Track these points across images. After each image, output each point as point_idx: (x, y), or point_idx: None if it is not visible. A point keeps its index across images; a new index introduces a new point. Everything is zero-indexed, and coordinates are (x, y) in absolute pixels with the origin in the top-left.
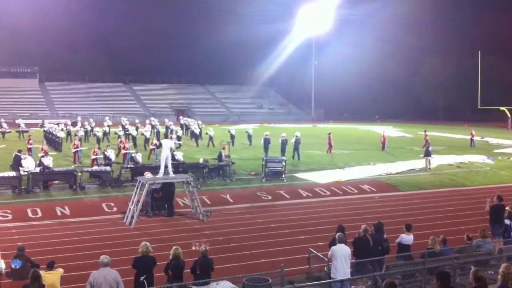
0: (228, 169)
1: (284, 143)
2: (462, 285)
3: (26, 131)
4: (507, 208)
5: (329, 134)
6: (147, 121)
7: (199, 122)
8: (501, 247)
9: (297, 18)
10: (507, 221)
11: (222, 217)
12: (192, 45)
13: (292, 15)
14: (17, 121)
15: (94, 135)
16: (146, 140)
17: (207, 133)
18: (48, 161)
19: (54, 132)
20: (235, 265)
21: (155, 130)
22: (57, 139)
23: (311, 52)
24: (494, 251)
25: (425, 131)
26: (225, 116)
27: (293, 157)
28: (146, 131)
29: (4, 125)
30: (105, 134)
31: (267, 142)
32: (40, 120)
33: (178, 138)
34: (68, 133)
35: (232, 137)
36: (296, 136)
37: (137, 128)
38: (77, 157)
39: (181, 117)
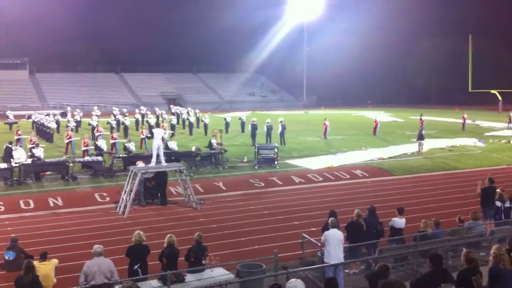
0: (220, 157)
1: (269, 129)
2: (454, 266)
3: (15, 123)
4: (498, 190)
5: (326, 119)
6: (137, 110)
7: (197, 110)
8: (493, 229)
9: (288, 3)
10: (498, 203)
11: (215, 205)
12: (183, 33)
13: (283, 1)
14: (7, 113)
15: (89, 124)
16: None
17: (202, 121)
18: (39, 152)
19: (45, 123)
20: (229, 252)
21: (145, 119)
22: (48, 130)
23: (303, 38)
24: (486, 233)
25: (420, 115)
26: (217, 104)
27: (281, 143)
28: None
29: None
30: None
31: (254, 128)
32: (28, 112)
33: (172, 127)
34: (57, 124)
35: (227, 124)
36: (281, 122)
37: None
38: (70, 147)
39: (171, 106)
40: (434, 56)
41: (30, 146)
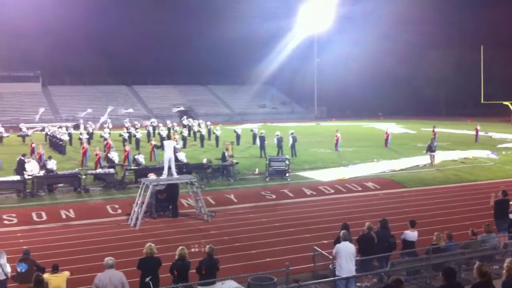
0: (231, 169)
1: (279, 141)
2: (467, 280)
3: (27, 135)
4: (511, 203)
5: (337, 131)
6: (148, 122)
7: (208, 122)
8: (506, 241)
9: (298, 15)
10: (511, 216)
11: (227, 217)
12: (194, 45)
13: (293, 13)
14: (20, 125)
15: (101, 136)
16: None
17: (214, 133)
18: (51, 165)
19: (57, 136)
20: (240, 265)
21: (156, 131)
22: (61, 142)
23: (313, 50)
24: (499, 246)
25: (433, 127)
26: (228, 116)
27: (292, 155)
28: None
29: (1, 129)
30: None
31: (262, 140)
32: (42, 124)
33: (184, 138)
34: (69, 136)
35: (238, 136)
36: (292, 134)
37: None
38: (85, 160)
39: (184, 117)
40: (444, 67)
41: (37, 158)
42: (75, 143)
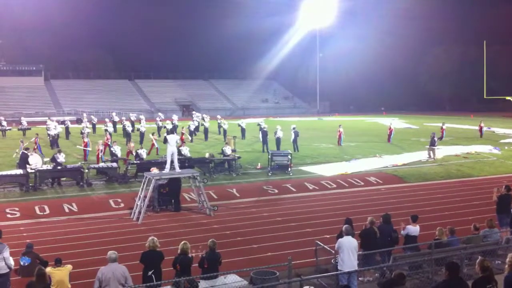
0: (234, 164)
1: (278, 140)
2: (469, 275)
3: (28, 129)
4: None
5: (340, 126)
6: (141, 117)
7: (218, 116)
8: (508, 236)
9: (301, 10)
10: None
11: (229, 211)
12: (196, 39)
13: (296, 7)
14: (21, 119)
15: (106, 130)
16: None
17: (221, 126)
18: (61, 158)
19: (47, 130)
20: (242, 259)
21: (161, 125)
22: (48, 137)
23: (315, 45)
24: (501, 241)
25: (442, 124)
26: (230, 110)
27: (294, 149)
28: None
29: (4, 123)
30: (114, 127)
31: (264, 134)
32: (44, 118)
33: (191, 133)
34: (67, 129)
35: (243, 130)
36: (294, 128)
37: (133, 124)
38: (86, 154)
39: (193, 112)
40: (447, 62)
41: (22, 150)
42: (73, 137)
